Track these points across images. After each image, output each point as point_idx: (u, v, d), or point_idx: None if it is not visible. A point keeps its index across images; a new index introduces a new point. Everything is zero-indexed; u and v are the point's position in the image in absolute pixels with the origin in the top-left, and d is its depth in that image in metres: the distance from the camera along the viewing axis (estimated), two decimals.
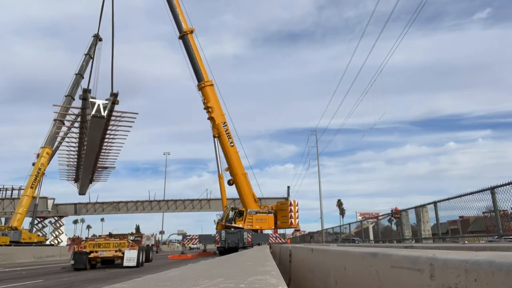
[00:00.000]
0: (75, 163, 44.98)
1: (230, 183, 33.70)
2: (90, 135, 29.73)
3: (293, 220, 33.05)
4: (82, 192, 49.51)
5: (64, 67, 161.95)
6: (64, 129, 41.28)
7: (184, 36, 32.31)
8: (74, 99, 41.73)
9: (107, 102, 25.65)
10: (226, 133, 32.68)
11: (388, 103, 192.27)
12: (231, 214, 33.54)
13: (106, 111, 25.53)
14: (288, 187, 36.50)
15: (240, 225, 32.22)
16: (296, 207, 33.71)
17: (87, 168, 42.04)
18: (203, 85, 32.53)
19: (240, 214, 33.18)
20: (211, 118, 33.06)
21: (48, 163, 42.73)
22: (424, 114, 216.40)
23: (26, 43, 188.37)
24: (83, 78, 42.63)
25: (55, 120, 41.10)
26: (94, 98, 25.64)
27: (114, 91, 25.94)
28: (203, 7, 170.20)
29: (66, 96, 41.96)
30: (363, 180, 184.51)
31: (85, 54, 43.18)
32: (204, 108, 33.03)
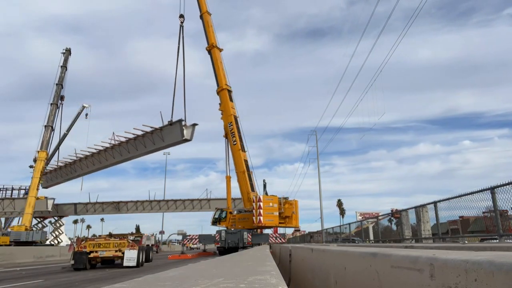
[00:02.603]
0: (64, 163, 47.24)
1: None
2: (154, 150, 38.92)
3: (254, 218, 31.24)
4: (48, 185, 52.31)
5: (80, 63, 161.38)
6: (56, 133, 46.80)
7: (210, 50, 36.64)
8: (58, 107, 47.56)
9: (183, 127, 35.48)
10: (231, 132, 34.12)
11: (406, 101, 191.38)
12: (217, 215, 34.73)
13: (189, 135, 34.84)
14: (264, 180, 36.13)
15: (224, 226, 33.37)
16: (259, 203, 31.32)
17: (87, 171, 44.42)
18: (218, 90, 35.83)
19: (226, 215, 34.23)
20: (223, 120, 35.65)
21: (46, 165, 45.71)
22: (443, 112, 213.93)
23: (45, 40, 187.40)
24: (62, 87, 48.37)
25: (45, 126, 45.55)
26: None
27: (195, 123, 35.55)
28: (231, 3, 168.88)
29: (51, 104, 46.79)
30: (372, 180, 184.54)
31: (61, 66, 49.21)
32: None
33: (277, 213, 31.89)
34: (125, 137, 39.89)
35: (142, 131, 37.88)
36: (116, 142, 41.14)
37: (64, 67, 49.25)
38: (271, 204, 32.30)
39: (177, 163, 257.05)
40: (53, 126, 46.33)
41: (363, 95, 32.00)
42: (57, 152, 49.73)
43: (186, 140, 35.19)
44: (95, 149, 43.41)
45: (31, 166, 45.12)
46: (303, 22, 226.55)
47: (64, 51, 50.21)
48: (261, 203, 32.03)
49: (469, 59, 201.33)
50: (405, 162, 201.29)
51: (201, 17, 37.46)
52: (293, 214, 33.33)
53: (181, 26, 37.88)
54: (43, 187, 52.33)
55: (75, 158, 46.77)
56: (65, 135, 50.18)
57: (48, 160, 46.06)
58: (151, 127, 36.92)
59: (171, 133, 36.09)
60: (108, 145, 41.82)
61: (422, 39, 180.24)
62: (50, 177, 51.49)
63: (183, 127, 34.77)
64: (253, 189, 33.34)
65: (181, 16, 37.94)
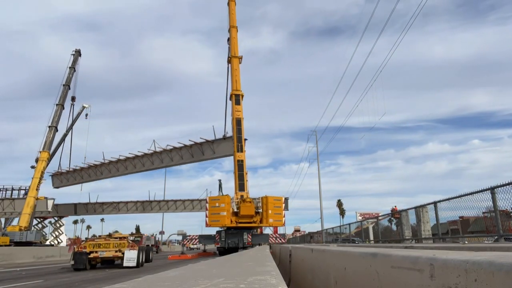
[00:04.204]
0: (88, 165, 48.06)
1: None
2: (201, 160, 43.65)
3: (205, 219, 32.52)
4: (61, 186, 53.51)
5: (91, 61, 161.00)
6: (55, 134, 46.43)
7: (230, 60, 39.12)
8: (64, 108, 47.43)
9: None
10: (233, 134, 35.77)
11: (420, 100, 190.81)
12: None
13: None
14: (219, 180, 36.72)
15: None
16: (206, 204, 32.04)
17: (116, 174, 49.09)
18: (231, 94, 37.94)
19: None
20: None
21: (47, 166, 44.99)
22: (455, 111, 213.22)
23: (57, 38, 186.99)
24: (69, 88, 48.37)
25: (49, 126, 45.25)
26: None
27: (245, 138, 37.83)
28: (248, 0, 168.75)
29: (56, 104, 46.56)
30: (378, 179, 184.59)
31: (69, 67, 49.08)
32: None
33: (225, 213, 31.36)
34: (172, 145, 43.68)
35: (193, 141, 41.63)
36: (158, 150, 44.58)
37: (72, 68, 48.99)
38: (217, 205, 32.05)
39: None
40: (57, 127, 46.20)
41: (363, 95, 32.01)
42: (60, 152, 49.92)
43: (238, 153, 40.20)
44: (134, 154, 46.32)
45: (32, 167, 45.04)
46: (320, 19, 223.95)
47: (73, 52, 50.00)
48: (207, 204, 32.48)
49: (485, 58, 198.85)
50: (412, 162, 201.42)
51: (229, 30, 40.42)
52: (261, 212, 32.10)
53: (229, 48, 40.14)
54: (54, 187, 52.99)
55: (102, 161, 48.68)
56: (65, 135, 50.12)
57: (49, 160, 45.95)
58: (205, 140, 40.73)
59: (224, 147, 40.10)
60: (148, 152, 45.25)
61: (439, 37, 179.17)
62: (67, 178, 51.78)
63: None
64: (243, 189, 33.30)
65: (229, 40, 40.92)
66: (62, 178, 52.34)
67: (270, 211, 32.18)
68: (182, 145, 42.61)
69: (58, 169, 51.38)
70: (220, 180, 37.17)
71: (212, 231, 35.58)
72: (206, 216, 32.31)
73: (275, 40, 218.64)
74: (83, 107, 53.44)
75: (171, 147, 43.61)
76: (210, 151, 40.58)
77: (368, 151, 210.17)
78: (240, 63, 38.72)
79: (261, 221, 32.30)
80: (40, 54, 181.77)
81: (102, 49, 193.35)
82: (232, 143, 37.39)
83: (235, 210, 31.82)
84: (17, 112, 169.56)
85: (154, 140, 44.51)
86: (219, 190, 35.06)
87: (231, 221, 31.82)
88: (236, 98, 36.25)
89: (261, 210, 32.21)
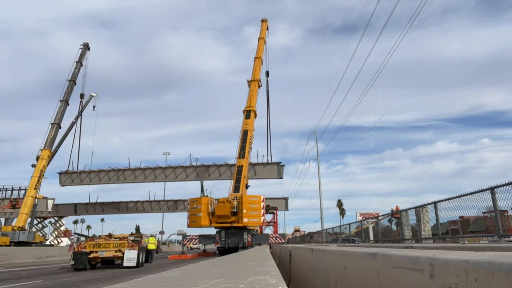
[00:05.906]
0: (109, 169, 49.91)
1: None
2: None
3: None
4: (66, 184, 52.48)
5: (102, 59, 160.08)
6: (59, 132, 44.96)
7: (251, 82, 42.80)
8: (68, 104, 44.91)
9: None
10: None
11: (434, 99, 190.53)
12: None
13: (282, 174, 44.48)
14: (201, 182, 37.17)
15: None
16: (188, 206, 33.52)
17: (143, 181, 50.89)
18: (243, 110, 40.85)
19: None
20: None
21: (48, 165, 43.97)
22: (468, 110, 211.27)
23: (71, 36, 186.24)
24: (75, 84, 46.09)
25: (51, 123, 43.44)
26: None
27: (277, 161, 44.92)
28: None
29: (61, 101, 44.25)
30: (384, 179, 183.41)
31: (76, 62, 46.64)
32: None
33: (201, 214, 31.83)
34: (214, 163, 47.61)
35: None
36: (195, 164, 48.27)
37: (79, 62, 46.43)
38: (195, 206, 32.63)
39: (187, 162, 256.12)
40: (60, 124, 44.22)
41: (363, 94, 31.96)
42: (69, 150, 49.24)
43: (280, 178, 45.23)
44: (167, 165, 49.71)
45: (33, 165, 44.30)
46: (338, 15, 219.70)
47: (81, 46, 47.59)
48: (188, 206, 33.60)
49: (502, 55, 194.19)
50: (420, 161, 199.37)
51: (255, 59, 44.51)
52: (235, 212, 32.00)
53: (267, 81, 44.85)
54: (61, 185, 51.99)
55: (125, 167, 49.43)
56: (73, 123, 48.24)
57: (50, 158, 45.10)
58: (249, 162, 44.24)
59: (267, 170, 44.74)
60: (184, 164, 48.87)
61: (456, 35, 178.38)
62: (80, 178, 51.00)
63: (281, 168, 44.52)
64: (238, 191, 33.69)
65: (267, 73, 44.99)
66: (73, 177, 51.18)
67: (245, 211, 31.82)
68: (224, 163, 46.89)
69: (69, 167, 50.36)
70: (201, 182, 37.65)
71: (212, 231, 35.74)
72: (188, 218, 33.31)
73: (291, 37, 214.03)
74: (91, 96, 50.93)
75: (211, 164, 47.73)
76: (252, 172, 43.61)
77: (376, 151, 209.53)
78: (259, 86, 42.74)
79: (238, 221, 32.19)
80: (52, 52, 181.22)
81: (115, 47, 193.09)
82: (276, 168, 44.11)
83: (211, 210, 32.22)
84: (25, 110, 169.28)
85: (190, 154, 49.15)
86: (201, 191, 35.41)
87: (210, 222, 32.37)
88: (247, 113, 39.37)
89: (235, 210, 32.11)
